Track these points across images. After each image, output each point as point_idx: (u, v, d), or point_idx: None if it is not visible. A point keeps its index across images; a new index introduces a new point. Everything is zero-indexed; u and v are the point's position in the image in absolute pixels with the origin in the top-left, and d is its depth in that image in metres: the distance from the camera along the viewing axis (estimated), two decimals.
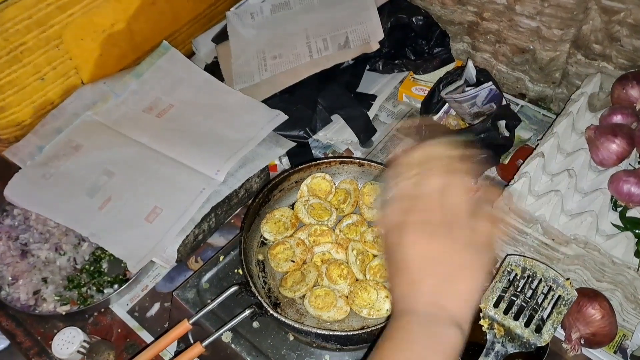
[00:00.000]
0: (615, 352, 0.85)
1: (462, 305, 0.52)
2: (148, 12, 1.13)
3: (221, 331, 0.73)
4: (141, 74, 1.12)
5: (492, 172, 1.05)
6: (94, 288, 0.94)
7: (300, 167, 0.87)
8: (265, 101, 1.10)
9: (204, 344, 0.72)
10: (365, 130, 1.11)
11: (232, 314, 0.80)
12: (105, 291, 0.93)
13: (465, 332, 0.51)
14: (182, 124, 1.06)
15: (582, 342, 0.82)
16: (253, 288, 0.74)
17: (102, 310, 0.94)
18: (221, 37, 1.23)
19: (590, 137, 0.88)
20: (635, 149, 0.86)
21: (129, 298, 0.95)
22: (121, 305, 0.95)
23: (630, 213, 0.82)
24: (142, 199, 0.96)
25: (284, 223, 0.85)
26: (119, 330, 0.92)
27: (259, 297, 0.73)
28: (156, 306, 0.94)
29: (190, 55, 1.23)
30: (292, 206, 0.88)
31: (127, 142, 1.03)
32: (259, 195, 0.84)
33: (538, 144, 0.94)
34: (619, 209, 0.83)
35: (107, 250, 0.95)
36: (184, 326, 0.74)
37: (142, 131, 1.04)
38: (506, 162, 1.04)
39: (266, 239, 0.85)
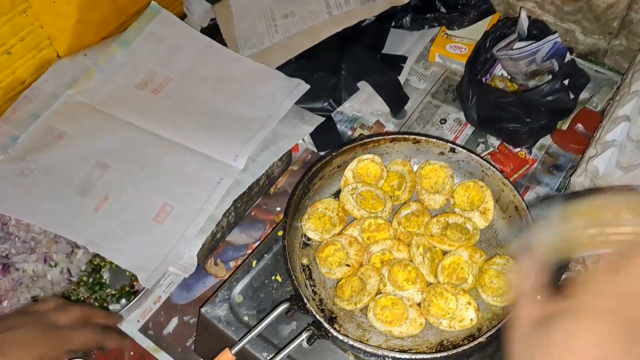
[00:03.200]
0: None
1: None
2: None
3: None
4: (129, 43, 0.93)
5: (547, 139, 0.92)
6: (96, 304, 0.78)
7: (343, 148, 0.71)
8: (279, 69, 0.93)
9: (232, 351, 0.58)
10: (396, 99, 0.96)
11: (277, 333, 0.66)
12: (110, 307, 0.78)
13: None
14: (184, 101, 0.88)
15: None
16: (308, 305, 0.60)
17: None
18: None
19: None
20: None
21: (139, 313, 0.80)
22: (131, 323, 0.79)
23: None
24: (148, 196, 0.79)
25: (329, 218, 0.70)
26: (132, 354, 0.77)
27: (317, 316, 0.59)
28: (174, 321, 0.79)
29: (181, 18, 1.04)
30: (336, 196, 0.73)
31: (121, 126, 0.85)
32: (299, 187, 0.69)
33: (609, 106, 0.81)
34: None
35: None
36: (226, 357, 0.60)
37: (137, 112, 0.87)
38: (564, 127, 0.91)
39: (310, 239, 0.70)
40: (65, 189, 0.80)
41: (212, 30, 1.02)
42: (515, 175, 0.89)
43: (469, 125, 0.94)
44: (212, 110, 0.87)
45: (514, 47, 0.86)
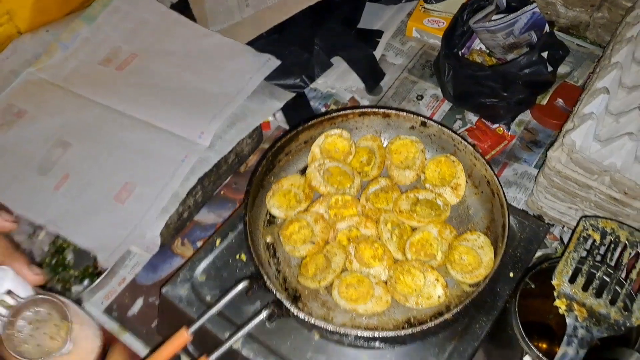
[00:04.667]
0: None
1: None
2: None
3: (232, 340, 0.56)
4: (94, 18, 0.90)
5: (526, 115, 0.89)
6: (59, 286, 0.75)
7: (310, 123, 0.69)
8: (249, 44, 0.90)
9: (211, 358, 0.55)
10: (372, 74, 0.93)
11: (240, 312, 0.63)
12: (73, 289, 0.75)
13: None
14: (149, 77, 0.85)
15: None
16: (269, 283, 0.57)
17: None
18: None
19: None
20: None
21: (103, 295, 0.77)
22: (95, 304, 0.77)
23: None
24: (109, 174, 0.77)
25: (295, 195, 0.67)
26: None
27: (277, 295, 0.56)
28: (139, 302, 0.77)
29: None
30: (303, 172, 0.70)
31: (84, 104, 0.82)
32: (262, 162, 0.66)
33: (590, 80, 0.78)
34: None
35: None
36: (183, 337, 0.57)
37: (100, 89, 0.84)
38: (544, 102, 0.88)
39: (274, 216, 0.67)
40: (24, 167, 0.77)
41: (182, 6, 0.98)
42: (493, 152, 0.87)
43: (446, 101, 0.91)
44: (178, 87, 0.84)
45: (491, 19, 0.83)
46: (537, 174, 0.77)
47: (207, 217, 0.84)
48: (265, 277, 0.57)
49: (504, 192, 0.63)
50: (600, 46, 0.94)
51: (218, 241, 0.70)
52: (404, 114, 0.69)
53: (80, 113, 0.81)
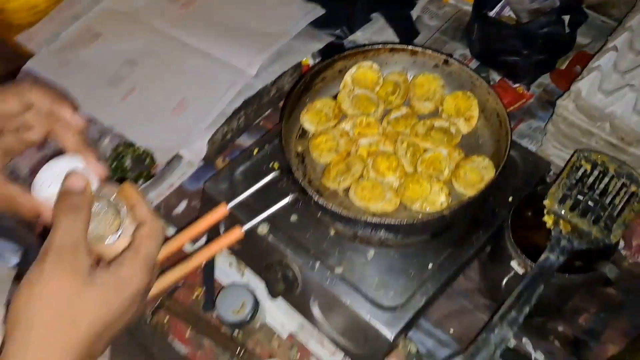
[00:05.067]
0: None
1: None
2: None
3: (262, 216, 0.66)
4: None
5: (545, 78, 0.97)
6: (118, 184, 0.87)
7: (345, 53, 0.79)
8: None
9: (244, 228, 0.65)
10: (407, 32, 1.02)
11: (269, 206, 0.74)
12: None
13: None
14: (210, 15, 0.97)
15: None
16: (295, 173, 0.68)
17: None
18: None
19: None
20: None
21: (154, 195, 0.89)
22: None
23: None
24: (169, 91, 0.89)
25: (325, 114, 0.77)
26: None
27: (302, 183, 0.67)
28: (183, 204, 0.89)
29: None
30: (335, 98, 0.80)
31: (151, 32, 0.95)
32: (300, 82, 0.76)
33: (605, 44, 0.86)
34: None
35: (130, 147, 0.89)
36: (222, 211, 0.67)
37: (167, 21, 0.96)
38: (562, 67, 0.96)
39: (306, 131, 0.78)
40: (97, 79, 0.90)
41: None
42: (512, 108, 0.95)
43: (473, 60, 1.00)
44: (234, 24, 0.95)
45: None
46: (546, 123, 0.84)
47: (247, 142, 0.95)
48: (293, 168, 0.68)
49: (509, 120, 0.71)
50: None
51: (255, 150, 0.81)
52: (429, 51, 0.78)
53: (147, 39, 0.94)
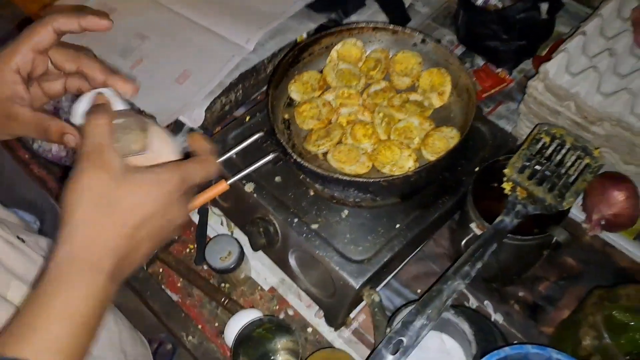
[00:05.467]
0: (634, 239, 0.84)
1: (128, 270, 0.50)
2: None
3: (246, 171, 0.74)
4: None
5: (527, 64, 1.03)
6: None
7: (331, 30, 0.86)
8: None
9: (228, 181, 0.73)
10: (399, 18, 1.09)
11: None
12: None
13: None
14: None
15: (603, 223, 0.82)
16: (278, 134, 0.75)
17: None
18: None
19: (635, 18, 0.84)
20: None
21: None
22: None
23: None
24: (174, 63, 0.97)
25: (311, 85, 0.85)
26: None
27: (284, 144, 0.74)
28: None
29: None
30: (321, 72, 0.87)
31: (161, 9, 1.03)
32: (289, 54, 0.84)
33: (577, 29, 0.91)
34: None
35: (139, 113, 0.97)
36: (222, 185, 0.75)
37: (177, 1, 1.04)
38: (543, 54, 1.01)
39: (293, 100, 0.85)
40: (110, 50, 0.99)
41: None
42: (492, 91, 1.01)
43: (460, 46, 1.06)
44: (237, 3, 1.03)
45: None
46: (519, 104, 0.90)
47: None
48: (275, 130, 0.75)
49: (476, 93, 0.77)
50: None
51: (248, 118, 0.88)
52: (409, 30, 0.85)
53: (158, 15, 1.02)
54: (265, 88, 1.04)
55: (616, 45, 0.85)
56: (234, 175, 0.77)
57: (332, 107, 0.83)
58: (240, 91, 1.00)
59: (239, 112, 1.02)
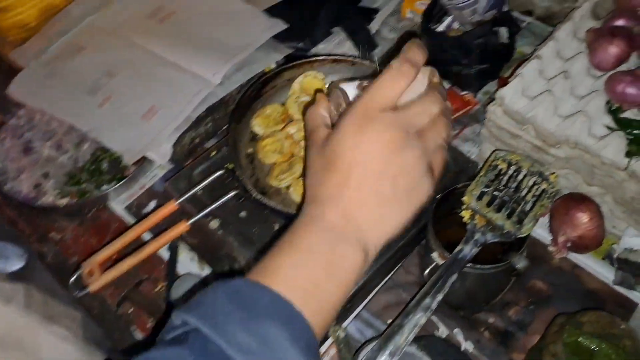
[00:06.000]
0: (603, 259, 0.85)
1: (380, 232, 0.47)
2: None
3: (207, 209, 0.75)
4: None
5: (492, 86, 1.04)
6: (93, 185, 0.96)
7: (292, 63, 0.87)
8: (267, 10, 1.09)
9: (189, 221, 0.74)
10: (366, 44, 1.10)
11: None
12: (103, 187, 0.96)
13: (369, 263, 0.48)
14: (182, 29, 1.07)
15: (569, 245, 0.82)
16: (238, 171, 0.76)
17: (101, 206, 0.97)
18: None
19: (589, 40, 0.85)
20: (634, 53, 0.84)
21: (126, 196, 0.98)
22: (119, 202, 0.97)
23: (625, 115, 0.81)
24: (141, 99, 0.98)
25: (274, 118, 0.86)
26: (116, 225, 0.95)
27: (244, 180, 0.75)
28: (152, 204, 0.97)
29: None
30: (284, 104, 0.89)
31: (129, 45, 1.04)
32: (251, 88, 0.85)
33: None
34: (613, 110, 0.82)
35: (107, 152, 0.98)
36: (171, 206, 0.76)
37: (143, 35, 1.05)
38: (507, 75, 1.02)
39: (256, 134, 0.86)
40: (78, 89, 1.00)
41: None
42: (458, 114, 1.01)
43: None
44: (203, 37, 1.04)
45: None
46: (481, 128, 0.91)
47: None
48: (236, 168, 0.76)
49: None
50: None
51: (214, 152, 0.89)
52: (367, 62, 0.86)
53: (125, 51, 1.03)
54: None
55: (572, 66, 0.86)
56: (198, 212, 0.78)
57: (294, 140, 0.84)
58: (211, 123, 1.01)
59: (210, 143, 1.03)
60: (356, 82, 0.53)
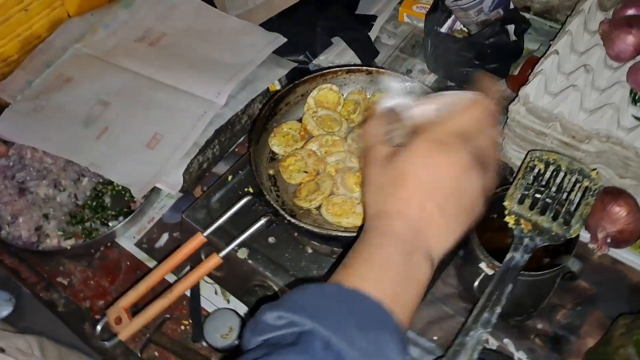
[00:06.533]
0: None
1: (443, 245, 0.49)
2: None
3: (238, 240, 0.70)
4: (131, 4, 1.06)
5: (502, 84, 1.02)
6: (98, 222, 0.90)
7: (305, 78, 0.83)
8: (262, 25, 1.05)
9: (220, 254, 0.68)
10: (367, 53, 1.07)
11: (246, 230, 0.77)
12: (110, 224, 0.89)
13: (432, 273, 0.49)
14: (176, 50, 1.01)
15: (609, 241, 0.80)
16: (267, 196, 0.71)
17: (109, 244, 0.90)
18: None
19: (604, 32, 0.84)
20: None
21: (135, 231, 0.92)
22: (128, 238, 0.91)
23: None
24: (141, 127, 0.92)
25: (292, 136, 0.81)
26: (128, 263, 0.89)
27: (275, 205, 0.70)
28: (165, 237, 0.91)
29: None
30: (300, 120, 0.84)
31: (120, 72, 0.98)
32: (264, 108, 0.80)
33: (549, 49, 0.91)
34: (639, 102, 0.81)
35: (109, 185, 0.92)
36: (198, 239, 0.71)
37: (135, 60, 1.00)
38: (516, 73, 1.01)
39: (275, 154, 0.81)
40: (71, 121, 0.93)
41: None
42: None
43: (432, 74, 1.05)
44: (200, 58, 0.99)
45: None
46: (503, 128, 0.89)
47: (224, 169, 0.97)
48: (265, 192, 0.71)
49: None
50: None
51: (230, 177, 0.84)
52: (385, 70, 0.83)
53: (117, 79, 0.97)
54: (242, 139, 1.00)
55: (589, 60, 0.85)
56: (226, 245, 0.73)
57: (317, 157, 0.79)
58: (217, 146, 0.95)
59: (218, 167, 0.98)
60: (405, 100, 0.54)
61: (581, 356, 0.75)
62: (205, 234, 0.72)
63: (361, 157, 0.54)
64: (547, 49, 0.89)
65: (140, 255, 0.90)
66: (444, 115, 0.50)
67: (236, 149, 1.00)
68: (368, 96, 0.85)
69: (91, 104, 0.94)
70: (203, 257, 0.77)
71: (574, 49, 0.87)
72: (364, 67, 0.84)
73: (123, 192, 0.92)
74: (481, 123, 0.51)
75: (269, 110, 0.81)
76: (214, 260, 0.68)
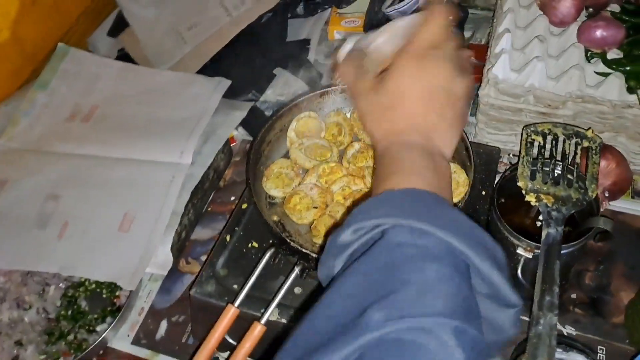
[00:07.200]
0: (633, 198, 0.86)
1: (449, 147, 0.52)
2: (31, 13, 0.96)
3: (276, 301, 0.62)
4: (47, 84, 0.95)
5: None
6: (84, 331, 0.78)
7: (280, 112, 0.78)
8: (198, 73, 0.98)
9: (262, 321, 0.61)
10: (312, 77, 1.04)
11: (268, 290, 0.69)
12: (98, 329, 0.78)
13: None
14: (115, 120, 0.91)
15: (607, 194, 0.83)
16: (293, 243, 0.64)
17: (101, 352, 0.78)
18: (118, 27, 1.10)
19: (543, 2, 0.88)
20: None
21: (128, 328, 0.80)
22: (121, 339, 0.80)
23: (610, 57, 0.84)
24: (107, 211, 0.81)
25: (286, 174, 0.76)
26: None
27: (303, 249, 0.64)
28: (163, 324, 0.80)
29: None
30: (287, 156, 0.79)
31: (61, 159, 0.87)
32: (250, 155, 0.74)
33: (491, 33, 0.93)
34: (594, 59, 0.84)
35: (79, 287, 0.80)
36: (231, 311, 0.62)
37: (71, 142, 0.89)
38: None
39: (274, 197, 0.75)
40: (22, 226, 0.80)
41: (123, 59, 1.05)
42: None
43: None
44: (145, 121, 0.90)
45: (401, 1, 0.96)
46: (474, 116, 0.89)
47: (203, 233, 0.89)
48: (288, 239, 0.65)
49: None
50: (489, 9, 1.11)
51: (228, 237, 0.76)
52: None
53: (60, 167, 0.85)
54: (212, 194, 0.92)
55: (536, 31, 0.88)
56: (253, 309, 0.65)
57: (320, 189, 0.74)
58: (191, 210, 0.87)
59: (196, 232, 0.89)
60: (356, 37, 0.59)
61: (621, 311, 0.76)
62: (236, 303, 0.63)
63: (348, 95, 0.57)
64: (489, 32, 0.91)
65: (143, 352, 0.78)
66: (410, 34, 0.53)
67: (209, 209, 0.92)
68: (348, 115, 0.81)
69: (40, 201, 0.82)
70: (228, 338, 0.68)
71: (518, 25, 0.90)
72: (337, 87, 0.80)
73: (98, 290, 0.80)
74: (444, 31, 0.53)
75: (253, 155, 0.75)
76: (258, 329, 0.61)
